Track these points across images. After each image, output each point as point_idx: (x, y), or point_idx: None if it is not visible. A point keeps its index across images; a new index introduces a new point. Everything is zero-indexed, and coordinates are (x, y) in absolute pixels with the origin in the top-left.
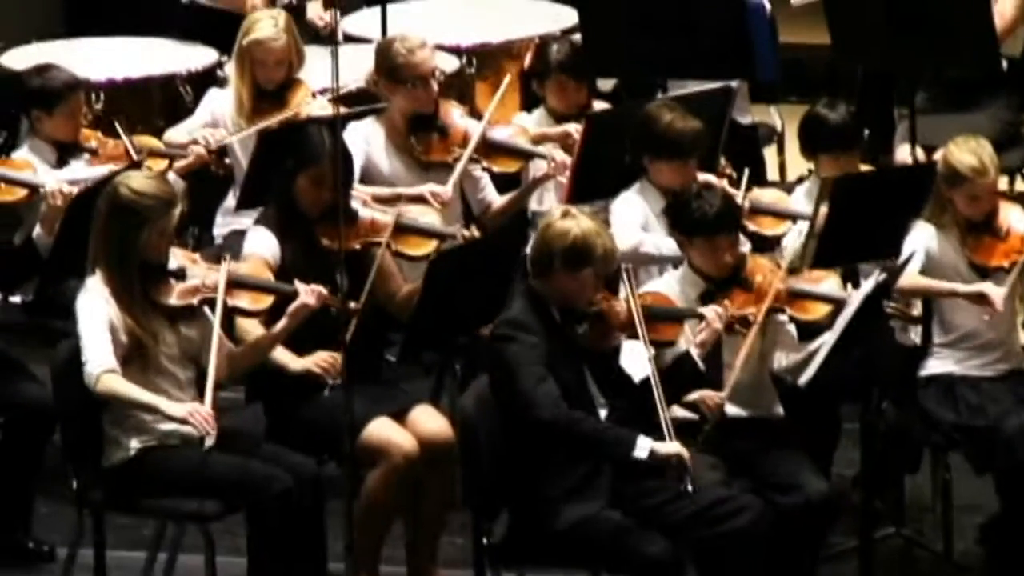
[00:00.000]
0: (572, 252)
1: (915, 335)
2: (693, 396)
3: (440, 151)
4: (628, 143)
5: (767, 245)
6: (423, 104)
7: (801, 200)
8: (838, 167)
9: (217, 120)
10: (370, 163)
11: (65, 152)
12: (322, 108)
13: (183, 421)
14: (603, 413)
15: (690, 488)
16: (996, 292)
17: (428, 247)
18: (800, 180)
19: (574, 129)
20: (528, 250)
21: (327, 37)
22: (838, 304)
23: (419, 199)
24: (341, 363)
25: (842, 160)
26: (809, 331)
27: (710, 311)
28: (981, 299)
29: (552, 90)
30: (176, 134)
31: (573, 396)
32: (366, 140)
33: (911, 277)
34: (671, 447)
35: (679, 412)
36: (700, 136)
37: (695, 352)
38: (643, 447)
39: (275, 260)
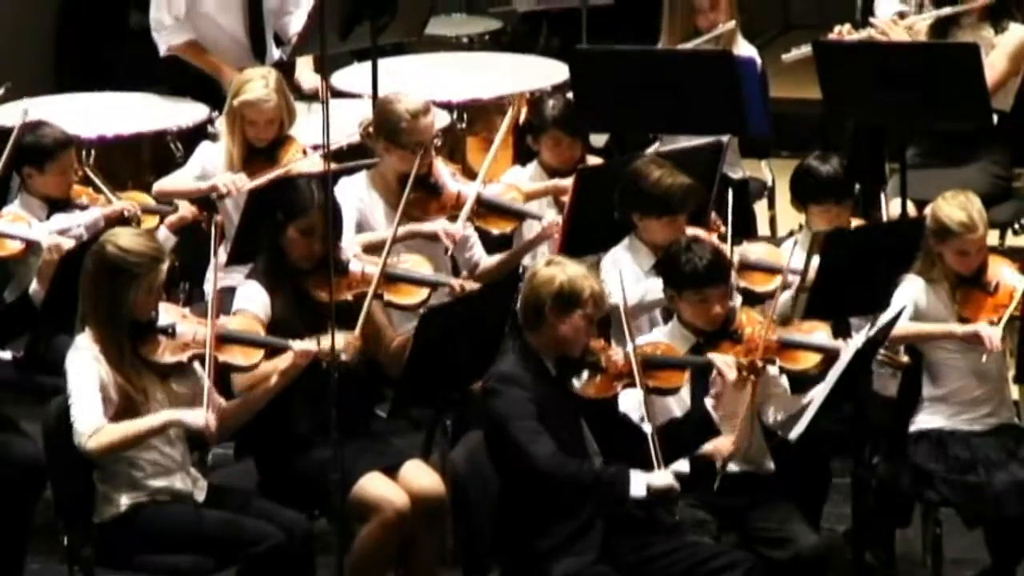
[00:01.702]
0: (561, 297)
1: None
2: (707, 447)
3: (433, 211)
4: (616, 200)
5: (757, 300)
6: (419, 167)
7: (791, 253)
8: (829, 219)
9: (208, 174)
10: (364, 221)
11: (56, 208)
12: (313, 165)
13: (200, 432)
14: (598, 462)
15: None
16: (991, 331)
17: (420, 296)
18: (791, 234)
19: (565, 184)
20: (519, 304)
21: (313, 98)
22: (829, 354)
23: (432, 236)
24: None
25: (833, 212)
26: (800, 381)
27: (720, 359)
28: (976, 338)
29: (547, 145)
30: (167, 184)
31: (568, 449)
32: (359, 198)
33: (904, 324)
34: (664, 480)
35: (683, 467)
36: (689, 192)
37: (710, 404)
38: (638, 483)
39: (266, 315)
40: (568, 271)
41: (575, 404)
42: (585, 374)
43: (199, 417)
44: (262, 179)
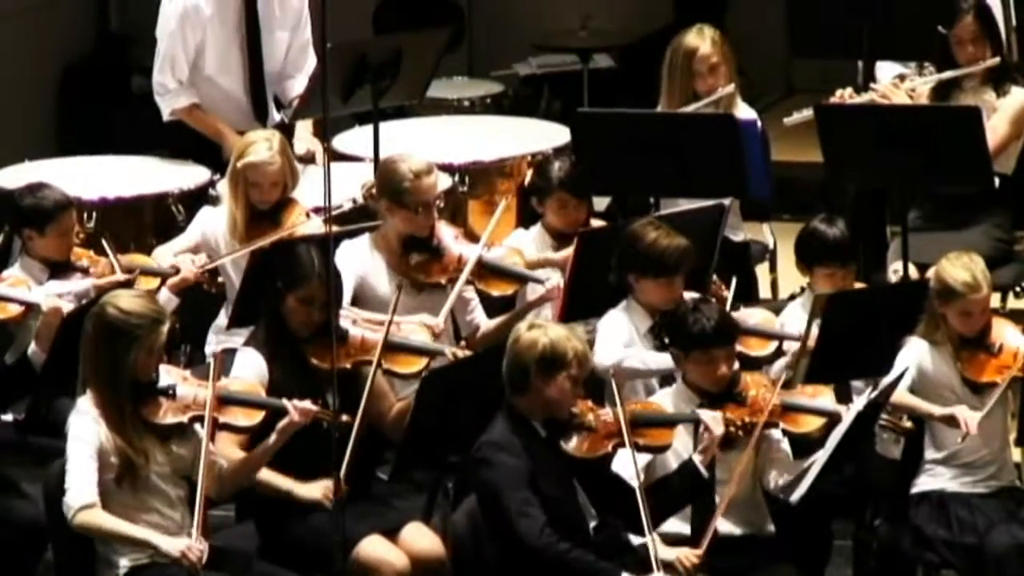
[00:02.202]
0: (544, 360)
1: (897, 451)
2: (670, 555)
3: (435, 273)
4: (613, 262)
5: (754, 366)
6: (421, 228)
7: (795, 315)
8: (834, 282)
9: (208, 239)
10: (365, 283)
11: (56, 271)
12: (316, 227)
13: (177, 560)
14: (592, 525)
15: None
16: (969, 416)
17: (418, 365)
18: (792, 297)
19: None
20: (504, 369)
21: (308, 162)
22: (832, 417)
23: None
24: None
25: (838, 275)
26: (803, 445)
27: (707, 415)
28: (952, 421)
29: (552, 208)
30: (164, 252)
31: (561, 511)
32: (360, 261)
33: (898, 392)
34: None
35: (676, 526)
36: (686, 253)
37: (698, 459)
38: None
39: (263, 383)
40: (550, 333)
41: (567, 464)
42: (575, 435)
43: (176, 546)
44: (265, 241)
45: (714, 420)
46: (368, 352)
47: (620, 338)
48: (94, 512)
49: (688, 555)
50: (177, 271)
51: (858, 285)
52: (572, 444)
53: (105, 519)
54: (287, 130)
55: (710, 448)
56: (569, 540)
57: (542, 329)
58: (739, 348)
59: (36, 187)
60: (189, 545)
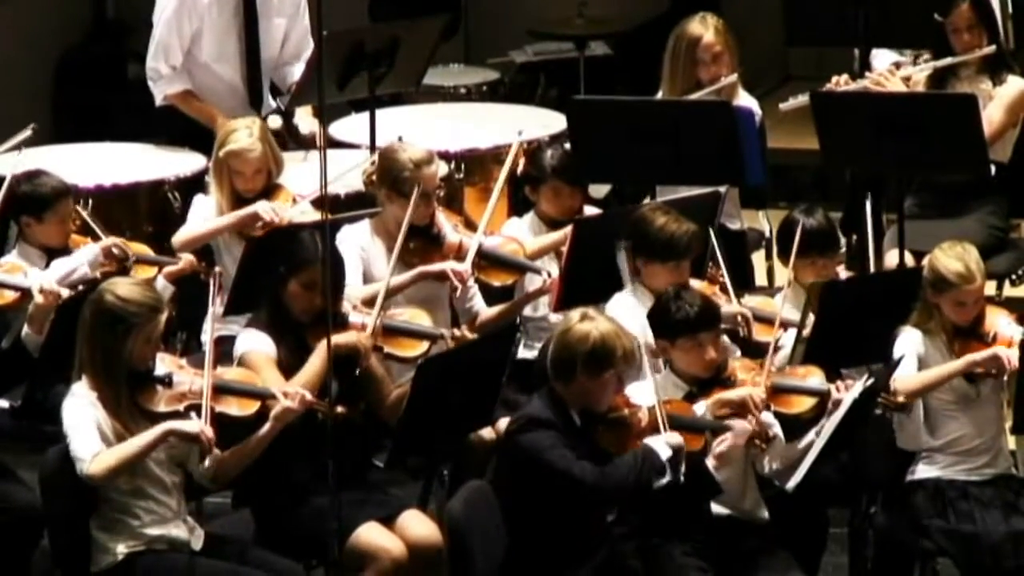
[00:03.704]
0: (594, 356)
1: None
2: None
3: (435, 261)
4: (619, 245)
5: (756, 353)
6: (421, 217)
7: (781, 308)
8: (814, 272)
9: None
10: (367, 269)
11: (54, 258)
12: (303, 213)
13: (194, 438)
14: (609, 519)
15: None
16: (1009, 353)
17: (418, 348)
18: (788, 284)
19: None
20: (548, 353)
21: (311, 144)
22: (822, 397)
23: (441, 276)
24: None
25: (818, 264)
26: (794, 425)
27: (738, 424)
28: (995, 361)
29: (546, 196)
30: (186, 234)
31: None
32: (361, 246)
33: (912, 378)
34: (675, 438)
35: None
36: (694, 238)
37: (711, 464)
38: (662, 448)
39: (275, 355)
40: (601, 328)
41: (599, 456)
42: (609, 428)
43: (194, 426)
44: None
45: (743, 430)
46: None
47: (635, 327)
48: (105, 453)
49: (754, 393)
50: (176, 260)
51: (844, 273)
52: (605, 437)
53: (115, 449)
54: (286, 115)
55: (726, 455)
56: (593, 525)
57: (594, 323)
58: (742, 334)
59: (34, 174)
60: (202, 427)
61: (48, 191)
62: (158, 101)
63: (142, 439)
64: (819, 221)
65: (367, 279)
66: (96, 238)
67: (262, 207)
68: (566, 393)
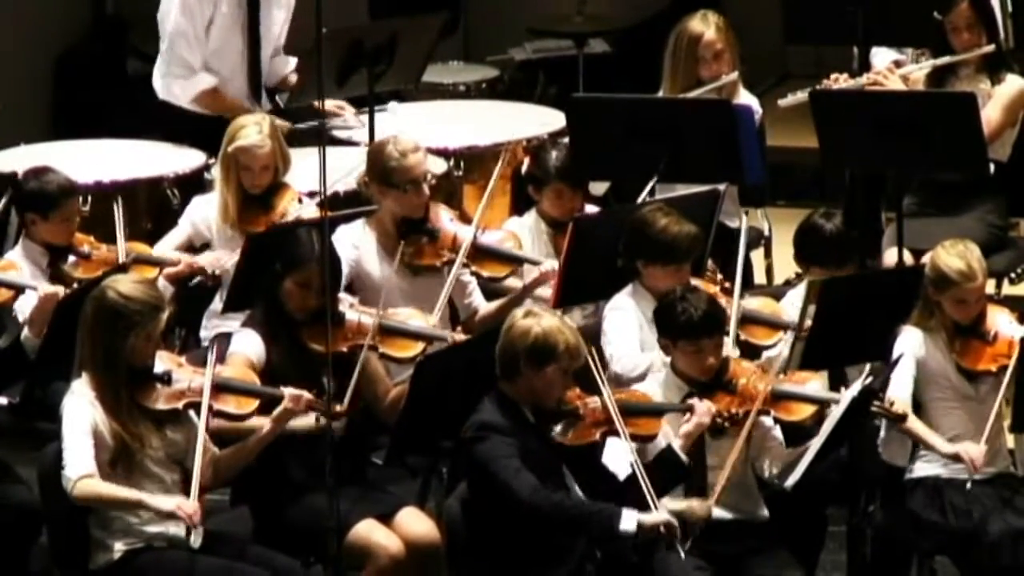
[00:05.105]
0: (535, 350)
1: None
2: (680, 506)
3: (430, 255)
4: (621, 247)
5: (756, 354)
6: (414, 208)
7: (794, 304)
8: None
9: (199, 227)
10: (360, 268)
11: (58, 255)
12: (308, 212)
13: (170, 515)
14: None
15: (683, 552)
16: (975, 454)
17: (414, 349)
18: (788, 283)
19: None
20: (496, 354)
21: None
22: (823, 405)
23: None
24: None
25: (835, 274)
26: (794, 432)
27: (700, 403)
28: (957, 460)
29: (549, 197)
30: (163, 248)
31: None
32: (355, 245)
33: (910, 421)
34: (658, 516)
35: (670, 504)
36: (695, 240)
37: (677, 445)
38: (629, 518)
39: (260, 361)
40: (544, 324)
41: (556, 451)
42: (563, 422)
43: (168, 504)
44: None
45: (704, 409)
46: (365, 336)
47: (633, 333)
48: (93, 481)
49: (698, 507)
50: (177, 262)
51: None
52: (560, 431)
53: (104, 487)
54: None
55: (692, 434)
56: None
57: (536, 318)
58: (744, 337)
59: (40, 171)
60: (179, 503)
61: (55, 189)
62: (186, 101)
63: (124, 494)
64: (839, 229)
65: (360, 277)
66: (102, 239)
67: (205, 259)
68: (514, 391)
